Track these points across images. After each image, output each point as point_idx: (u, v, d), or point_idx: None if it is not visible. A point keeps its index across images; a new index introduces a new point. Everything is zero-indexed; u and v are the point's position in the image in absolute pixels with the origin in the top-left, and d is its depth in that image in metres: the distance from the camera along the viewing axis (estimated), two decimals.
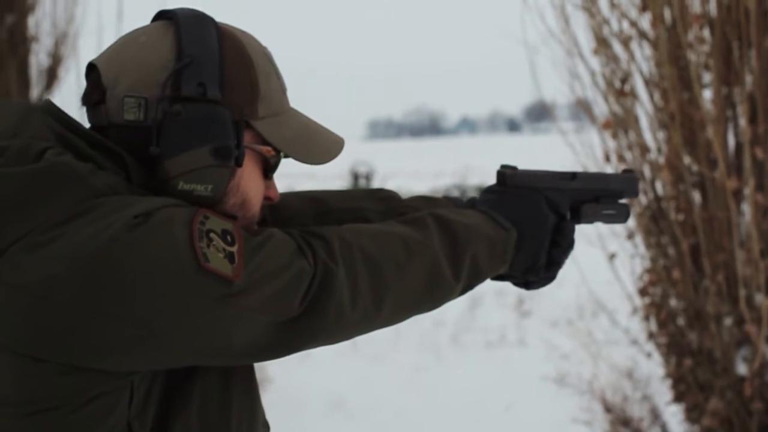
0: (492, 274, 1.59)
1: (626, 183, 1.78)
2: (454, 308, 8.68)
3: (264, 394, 1.47)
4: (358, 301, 1.37)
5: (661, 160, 4.19)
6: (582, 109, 4.66)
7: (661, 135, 4.22)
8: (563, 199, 1.68)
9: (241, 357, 1.32)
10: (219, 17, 1.42)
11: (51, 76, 6.44)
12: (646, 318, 4.47)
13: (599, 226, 2.11)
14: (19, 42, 6.16)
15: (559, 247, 1.66)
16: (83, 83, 1.41)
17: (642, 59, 4.27)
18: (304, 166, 1.68)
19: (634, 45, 4.26)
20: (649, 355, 4.58)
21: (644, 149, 4.25)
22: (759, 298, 3.86)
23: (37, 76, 6.39)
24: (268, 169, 1.45)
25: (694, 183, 4.10)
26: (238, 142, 1.36)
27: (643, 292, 4.45)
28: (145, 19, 1.48)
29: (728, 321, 4.04)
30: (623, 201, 1.79)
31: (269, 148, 1.42)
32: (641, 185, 4.23)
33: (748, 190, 3.82)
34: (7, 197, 1.20)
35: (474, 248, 1.52)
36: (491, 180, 1.81)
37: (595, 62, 4.41)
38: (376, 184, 25.12)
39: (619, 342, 5.54)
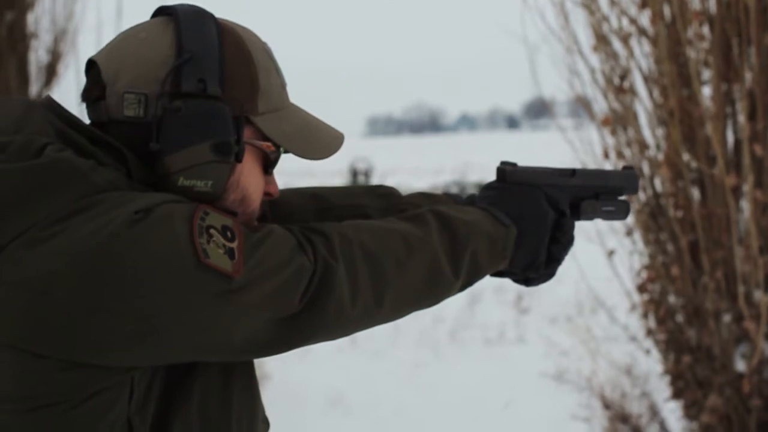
0: (492, 271, 1.59)
1: (626, 180, 1.78)
2: (453, 305, 8.68)
3: (263, 390, 1.47)
4: (358, 297, 1.37)
5: (660, 156, 4.19)
6: (581, 106, 4.66)
7: (660, 132, 4.22)
8: (563, 196, 1.68)
9: (242, 353, 1.32)
10: (219, 14, 1.42)
11: (50, 72, 6.44)
12: (645, 315, 4.48)
13: (598, 223, 2.11)
14: (18, 39, 6.16)
15: (559, 243, 1.66)
16: (82, 80, 1.41)
17: (641, 56, 4.28)
18: (303, 163, 1.69)
19: (633, 42, 4.26)
20: (647, 351, 4.59)
21: (643, 146, 4.26)
22: (758, 294, 3.86)
23: (36, 72, 6.39)
24: (268, 164, 1.45)
25: (693, 180, 4.10)
26: (238, 138, 1.36)
27: (641, 288, 4.46)
28: (144, 15, 1.48)
29: (727, 318, 4.04)
30: (623, 198, 1.79)
31: (269, 144, 1.42)
32: (640, 182, 4.23)
33: (747, 187, 3.82)
34: (7, 193, 1.21)
35: (474, 245, 1.52)
36: (491, 177, 1.81)
37: (594, 59, 4.41)
38: (375, 180, 25.12)
39: (618, 339, 5.55)
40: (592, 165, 4.44)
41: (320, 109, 1.73)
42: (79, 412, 1.24)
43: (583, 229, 2.16)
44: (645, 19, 4.20)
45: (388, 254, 1.42)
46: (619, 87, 4.27)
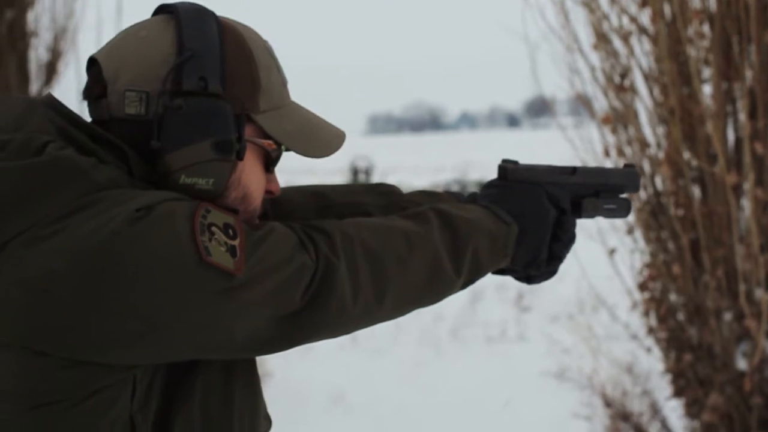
0: (493, 269, 1.59)
1: (627, 177, 1.78)
2: (454, 303, 8.67)
3: (264, 388, 1.47)
4: (359, 295, 1.37)
5: (661, 155, 4.19)
6: (582, 104, 4.66)
7: (660, 130, 4.22)
8: (564, 194, 1.68)
9: (243, 351, 1.32)
10: (220, 12, 1.42)
11: (50, 70, 6.45)
12: (646, 313, 4.48)
13: (599, 221, 2.11)
14: (18, 37, 6.16)
15: (560, 241, 1.65)
16: (82, 78, 1.41)
17: (642, 54, 4.28)
18: (304, 161, 1.68)
19: (633, 40, 4.26)
20: (649, 350, 4.59)
21: (644, 144, 4.26)
22: (759, 293, 3.86)
23: (36, 70, 6.40)
24: (270, 162, 1.45)
25: (693, 178, 4.10)
26: (240, 136, 1.36)
27: (642, 287, 4.46)
28: (144, 13, 1.48)
29: (728, 316, 4.05)
30: (624, 195, 1.79)
31: (270, 142, 1.42)
32: (641, 180, 4.23)
33: (747, 185, 3.82)
34: (8, 191, 1.21)
35: (475, 242, 1.52)
36: (491, 175, 1.81)
37: (594, 57, 4.41)
38: (375, 179, 25.11)
39: (619, 337, 5.55)
40: (592, 163, 4.44)
41: (321, 107, 1.73)
42: (81, 410, 1.24)
43: (584, 227, 2.16)
44: (645, 17, 4.21)
45: (390, 252, 1.42)
46: (620, 85, 4.27)
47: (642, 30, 4.22)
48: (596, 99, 4.51)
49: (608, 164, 4.36)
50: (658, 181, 4.27)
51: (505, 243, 1.57)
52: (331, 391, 6.73)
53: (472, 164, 34.04)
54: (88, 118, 1.38)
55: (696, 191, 4.09)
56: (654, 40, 4.13)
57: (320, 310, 1.33)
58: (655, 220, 4.29)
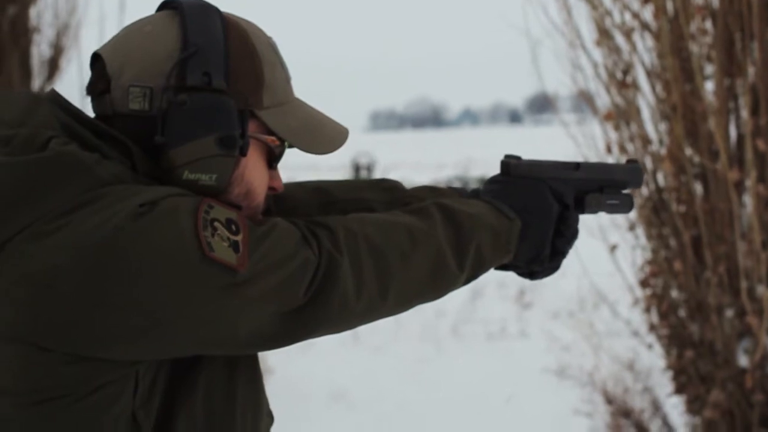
0: (496, 264, 1.59)
1: (630, 173, 1.78)
2: (455, 299, 8.68)
3: (265, 384, 1.47)
4: (362, 290, 1.37)
5: (663, 151, 4.19)
6: (584, 100, 4.66)
7: (662, 126, 4.22)
8: (567, 189, 1.68)
9: (246, 346, 1.32)
10: (224, 8, 1.42)
11: (53, 66, 6.46)
12: (648, 309, 4.48)
13: (601, 217, 2.11)
14: (21, 33, 6.17)
15: (563, 237, 1.65)
16: (85, 74, 1.41)
17: (644, 50, 4.28)
18: (307, 158, 1.69)
19: (636, 36, 4.26)
20: (650, 346, 4.59)
21: (646, 141, 4.26)
22: (760, 289, 3.86)
23: (38, 66, 6.41)
24: (273, 158, 1.45)
25: (695, 174, 4.10)
26: (243, 132, 1.36)
27: (644, 283, 4.46)
28: (147, 9, 1.48)
29: (729, 312, 4.05)
30: (627, 191, 1.79)
31: (274, 138, 1.42)
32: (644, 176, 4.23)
33: (749, 182, 3.82)
34: (12, 186, 1.21)
35: (478, 238, 1.52)
36: (493, 172, 1.80)
37: (597, 54, 4.41)
38: (377, 175, 25.11)
39: (621, 333, 5.55)
40: (594, 160, 4.44)
41: (324, 104, 1.73)
42: (84, 405, 1.24)
43: (585, 224, 2.16)
44: (648, 13, 4.20)
45: (393, 247, 1.41)
46: (622, 82, 4.27)
47: (644, 26, 4.22)
48: (599, 95, 4.51)
49: (611, 161, 4.36)
50: (660, 177, 4.27)
51: (508, 238, 1.57)
52: (332, 387, 6.73)
53: (474, 161, 34.02)
54: (91, 114, 1.38)
55: (698, 188, 4.10)
56: (656, 37, 4.13)
57: (323, 306, 1.33)
58: (656, 216, 4.29)
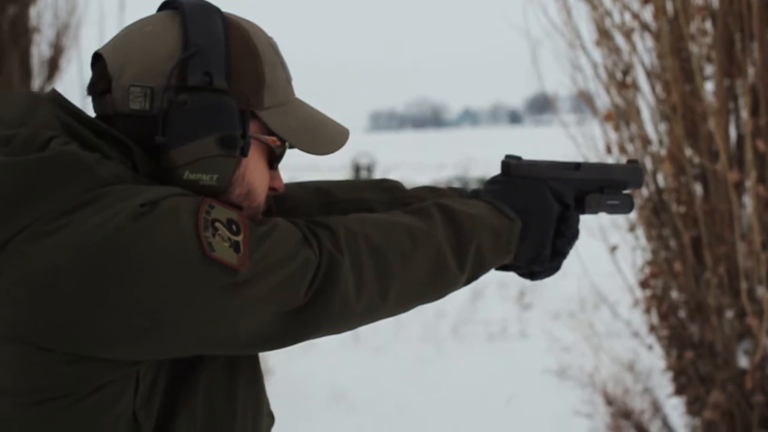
0: (496, 264, 1.59)
1: (630, 173, 1.77)
2: (455, 300, 8.68)
3: (266, 385, 1.47)
4: (363, 290, 1.37)
5: (663, 152, 4.19)
6: (584, 101, 4.66)
7: (662, 127, 4.22)
8: (568, 189, 1.68)
9: (247, 346, 1.32)
10: (224, 8, 1.42)
11: (53, 66, 6.46)
12: (648, 310, 4.48)
13: (601, 218, 2.12)
14: (21, 33, 6.17)
15: (564, 237, 1.65)
16: (85, 74, 1.41)
17: (644, 51, 4.28)
18: (307, 158, 1.69)
19: (636, 37, 4.26)
20: (650, 347, 4.59)
21: (646, 141, 4.26)
22: (760, 290, 3.86)
23: (38, 66, 6.41)
24: (273, 159, 1.45)
25: (695, 175, 4.10)
26: (244, 132, 1.36)
27: (644, 284, 4.46)
28: (147, 9, 1.49)
29: (729, 313, 4.05)
30: (627, 191, 1.78)
31: (274, 138, 1.42)
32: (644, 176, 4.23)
33: (749, 183, 3.82)
34: (12, 186, 1.21)
35: (479, 238, 1.52)
36: (493, 172, 1.80)
37: (597, 54, 4.41)
38: (377, 175, 25.12)
39: (621, 334, 5.54)
40: (594, 160, 4.44)
41: (324, 104, 1.73)
42: (85, 405, 1.24)
43: (585, 224, 2.16)
44: (648, 14, 4.20)
45: (393, 247, 1.41)
46: (622, 82, 4.27)
47: (644, 26, 4.22)
48: (598, 96, 4.51)
49: (611, 161, 4.36)
50: (660, 178, 4.28)
51: (509, 238, 1.57)
52: (333, 388, 6.73)
53: (473, 161, 34.02)
54: (91, 114, 1.38)
55: (698, 188, 4.10)
56: (656, 37, 4.13)
57: (324, 306, 1.33)
58: (656, 217, 4.29)
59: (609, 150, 4.40)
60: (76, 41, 6.47)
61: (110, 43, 1.39)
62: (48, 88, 6.11)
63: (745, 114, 3.86)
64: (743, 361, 4.04)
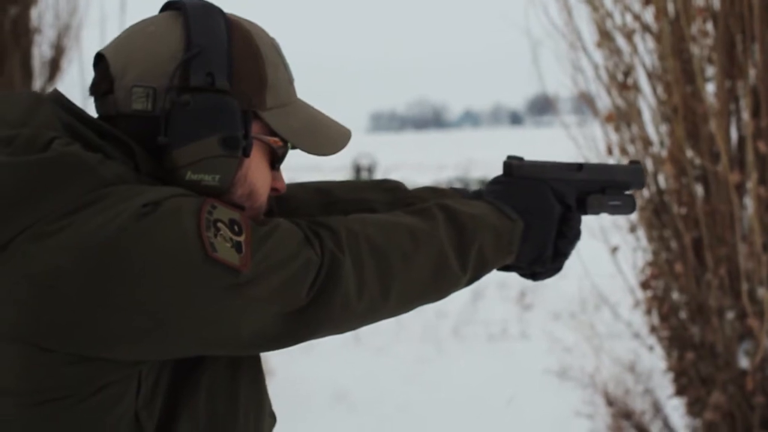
0: (498, 265, 1.59)
1: (632, 174, 1.78)
2: (456, 300, 8.67)
3: (267, 385, 1.48)
4: (364, 291, 1.37)
5: (664, 153, 4.19)
6: (585, 102, 4.66)
7: (663, 128, 4.22)
8: (569, 190, 1.68)
9: (249, 347, 1.32)
10: (227, 9, 1.43)
11: (54, 67, 6.46)
12: (649, 311, 4.48)
13: (602, 219, 2.12)
14: (22, 33, 6.17)
15: (566, 238, 1.65)
16: (86, 75, 1.42)
17: (645, 52, 4.28)
18: (309, 159, 1.69)
19: (637, 38, 4.26)
20: (651, 348, 4.59)
21: (647, 142, 4.26)
22: (761, 291, 3.86)
23: (40, 67, 6.41)
24: (275, 160, 1.45)
25: (696, 176, 4.10)
26: (246, 133, 1.36)
27: (645, 285, 4.46)
28: (148, 10, 1.49)
29: (730, 315, 4.05)
30: (629, 192, 1.78)
31: (276, 139, 1.42)
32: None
33: (750, 184, 3.82)
34: (14, 187, 1.21)
35: (480, 239, 1.52)
36: (494, 173, 1.81)
37: (598, 55, 4.41)
38: (378, 176, 25.09)
39: (622, 335, 5.54)
40: (595, 161, 4.44)
41: (326, 105, 1.73)
42: (87, 405, 1.24)
43: (586, 225, 2.16)
44: (649, 15, 4.21)
45: (395, 248, 1.41)
46: (623, 83, 4.27)
47: (645, 28, 4.22)
48: (599, 97, 4.51)
49: (611, 162, 4.36)
50: (661, 179, 4.28)
51: (511, 239, 1.57)
52: (334, 388, 6.73)
53: (474, 162, 34.02)
54: (93, 115, 1.38)
55: (699, 190, 4.10)
56: (657, 38, 4.13)
57: (325, 306, 1.33)
58: (657, 218, 4.30)
59: (610, 151, 4.40)
60: (77, 42, 6.48)
61: (113, 44, 1.39)
62: (49, 89, 6.12)
63: (746, 115, 3.86)
64: (744, 363, 4.05)
